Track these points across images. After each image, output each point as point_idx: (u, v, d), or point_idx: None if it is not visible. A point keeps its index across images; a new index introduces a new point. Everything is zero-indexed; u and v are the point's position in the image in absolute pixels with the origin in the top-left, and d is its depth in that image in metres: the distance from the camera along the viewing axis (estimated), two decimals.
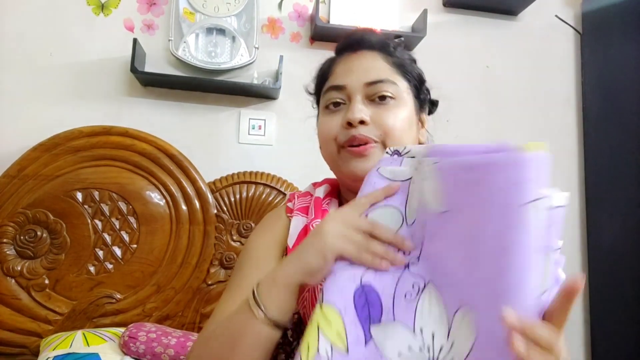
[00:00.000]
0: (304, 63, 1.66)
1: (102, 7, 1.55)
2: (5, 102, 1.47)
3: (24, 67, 1.49)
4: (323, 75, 0.73)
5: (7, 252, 1.30)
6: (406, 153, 0.53)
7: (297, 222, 0.69)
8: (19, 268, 1.30)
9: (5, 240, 1.30)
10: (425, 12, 1.62)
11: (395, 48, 0.71)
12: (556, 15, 1.84)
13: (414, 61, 0.74)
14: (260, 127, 1.61)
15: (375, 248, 0.49)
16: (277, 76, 1.54)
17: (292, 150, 1.62)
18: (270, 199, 1.47)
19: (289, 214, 0.72)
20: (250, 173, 1.50)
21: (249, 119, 1.60)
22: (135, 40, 1.45)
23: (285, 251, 0.68)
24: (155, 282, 1.36)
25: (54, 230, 1.32)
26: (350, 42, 0.71)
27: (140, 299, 1.34)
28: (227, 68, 1.53)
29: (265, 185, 1.48)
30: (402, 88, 0.67)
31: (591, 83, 1.78)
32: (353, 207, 0.53)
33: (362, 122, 0.63)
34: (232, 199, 1.45)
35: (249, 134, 1.60)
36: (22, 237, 1.31)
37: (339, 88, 0.67)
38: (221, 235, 1.43)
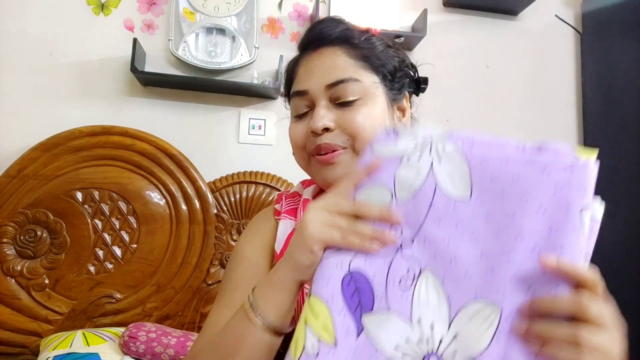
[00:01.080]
0: None
1: (102, 7, 1.55)
2: (5, 102, 1.47)
3: (24, 67, 1.49)
4: (289, 78, 0.69)
5: (7, 252, 1.30)
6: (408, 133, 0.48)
7: (285, 226, 0.66)
8: (19, 268, 1.30)
9: (5, 240, 1.30)
10: (425, 12, 1.62)
11: (361, 38, 0.65)
12: (556, 15, 1.84)
13: (389, 46, 0.68)
14: (260, 127, 1.61)
15: (362, 229, 0.45)
16: (277, 76, 1.54)
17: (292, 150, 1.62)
18: (270, 198, 1.47)
19: (276, 217, 0.69)
20: (250, 173, 1.50)
21: (249, 118, 1.60)
22: (135, 40, 1.45)
23: (274, 256, 0.66)
24: (155, 282, 1.36)
25: (54, 230, 1.32)
26: (309, 39, 0.65)
27: (140, 299, 1.34)
28: (227, 68, 1.53)
29: (265, 185, 1.48)
30: (367, 84, 0.62)
31: (591, 83, 1.78)
32: (335, 192, 0.50)
33: (326, 129, 0.60)
34: (232, 199, 1.45)
35: (249, 133, 1.60)
36: (22, 237, 1.31)
37: (301, 94, 0.63)
38: (221, 235, 1.43)
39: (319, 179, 0.64)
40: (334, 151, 0.60)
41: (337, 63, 0.62)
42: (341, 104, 0.61)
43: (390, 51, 0.67)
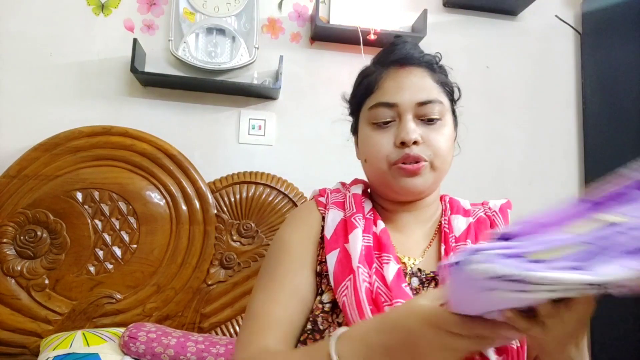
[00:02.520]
0: (304, 63, 1.66)
1: (102, 7, 1.55)
2: (5, 102, 1.47)
3: (24, 67, 1.49)
4: (368, 87, 0.71)
5: (7, 252, 1.30)
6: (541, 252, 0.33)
7: (334, 215, 0.70)
8: (19, 268, 1.30)
9: (5, 240, 1.30)
10: (425, 12, 1.62)
11: (438, 64, 0.72)
12: (556, 16, 1.84)
13: (448, 73, 0.75)
14: (260, 127, 1.61)
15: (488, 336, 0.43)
16: (277, 76, 1.54)
17: (292, 150, 1.62)
18: (270, 199, 1.47)
19: (321, 208, 0.73)
20: (250, 173, 1.50)
21: (249, 119, 1.60)
22: (135, 40, 1.45)
23: (321, 243, 0.69)
24: (155, 282, 1.36)
25: (54, 230, 1.32)
26: (398, 57, 0.70)
27: (140, 299, 1.34)
28: (227, 68, 1.53)
29: (265, 185, 1.48)
30: (446, 107, 0.69)
31: (591, 83, 1.78)
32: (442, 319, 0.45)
33: (415, 142, 0.65)
34: (232, 199, 1.45)
35: (249, 134, 1.60)
36: (22, 237, 1.31)
37: (389, 105, 0.67)
38: (221, 236, 1.43)
39: (397, 186, 0.68)
40: (418, 162, 0.66)
41: (426, 84, 0.68)
42: (426, 121, 0.67)
43: (449, 79, 0.74)
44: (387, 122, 0.68)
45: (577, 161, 1.81)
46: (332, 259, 0.65)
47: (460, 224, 0.71)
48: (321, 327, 0.62)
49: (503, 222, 0.72)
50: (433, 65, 0.71)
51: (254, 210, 1.46)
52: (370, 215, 0.70)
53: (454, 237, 0.69)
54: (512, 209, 0.76)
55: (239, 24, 1.56)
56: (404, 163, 0.66)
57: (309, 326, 0.63)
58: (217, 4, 1.54)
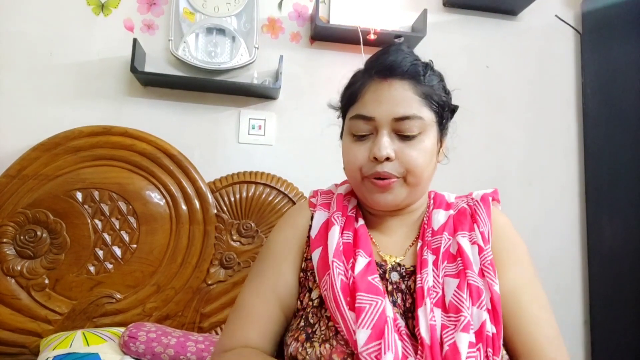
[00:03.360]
0: (304, 63, 1.66)
1: (102, 7, 1.56)
2: (5, 102, 1.47)
3: (24, 67, 1.49)
4: (351, 96, 0.72)
5: (7, 252, 1.30)
6: None
7: (320, 216, 0.74)
8: (18, 268, 1.30)
9: (5, 240, 1.30)
10: (425, 12, 1.62)
11: (425, 74, 0.69)
12: (556, 15, 1.84)
13: (442, 80, 0.73)
14: (260, 127, 1.61)
15: None
16: (277, 76, 1.54)
17: (292, 150, 1.62)
18: (270, 198, 1.47)
19: (311, 208, 0.77)
20: (250, 173, 1.50)
21: (249, 118, 1.60)
22: (135, 40, 1.45)
23: (308, 242, 0.73)
24: (155, 282, 1.36)
25: (54, 230, 1.33)
26: (381, 67, 0.69)
27: (140, 299, 1.34)
28: (227, 68, 1.53)
29: (265, 185, 1.48)
30: (427, 121, 0.67)
31: (591, 83, 1.78)
32: None
33: (387, 158, 0.66)
34: (232, 199, 1.45)
35: (248, 133, 1.60)
36: (22, 237, 1.31)
37: (366, 119, 0.67)
38: (221, 235, 1.43)
39: (369, 199, 0.70)
40: (389, 178, 0.67)
41: (406, 97, 0.67)
42: (403, 136, 0.66)
43: (441, 85, 0.72)
44: (364, 135, 0.68)
45: (577, 161, 1.81)
46: (315, 256, 0.68)
47: (440, 217, 0.72)
48: (311, 321, 0.65)
49: (484, 210, 0.72)
50: (418, 77, 0.68)
51: (253, 210, 1.46)
52: (352, 213, 0.74)
53: (431, 231, 0.71)
54: (497, 198, 0.77)
55: (239, 24, 1.56)
56: (376, 178, 0.67)
57: (301, 323, 0.66)
58: (217, 4, 1.54)
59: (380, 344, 0.56)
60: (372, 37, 1.56)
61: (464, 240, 0.67)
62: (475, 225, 0.70)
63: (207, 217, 1.41)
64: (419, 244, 0.70)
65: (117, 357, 1.11)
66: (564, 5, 1.85)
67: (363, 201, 0.74)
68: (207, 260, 1.40)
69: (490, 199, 0.75)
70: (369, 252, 0.67)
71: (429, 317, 0.60)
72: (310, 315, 0.66)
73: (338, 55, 1.67)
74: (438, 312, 0.61)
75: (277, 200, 1.47)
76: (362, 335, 0.57)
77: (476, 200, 0.74)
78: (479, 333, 0.58)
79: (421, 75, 0.69)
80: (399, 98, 0.66)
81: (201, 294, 1.39)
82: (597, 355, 1.68)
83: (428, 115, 0.68)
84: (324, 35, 1.63)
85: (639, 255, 1.52)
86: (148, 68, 1.52)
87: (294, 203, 1.48)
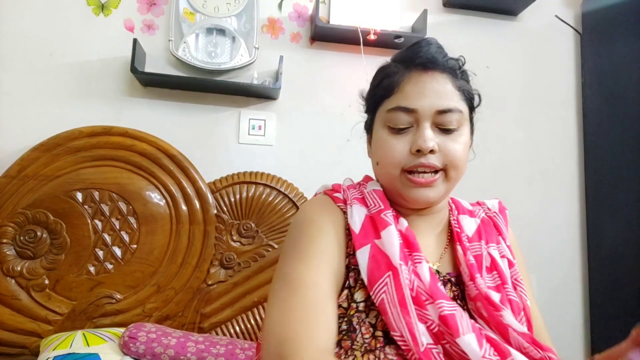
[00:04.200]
0: (304, 63, 1.66)
1: (102, 8, 1.56)
2: (5, 102, 1.47)
3: (24, 67, 1.49)
4: (388, 88, 0.69)
5: (7, 253, 1.30)
6: None
7: (359, 211, 0.67)
8: (18, 268, 1.30)
9: (5, 240, 1.30)
10: (425, 12, 1.62)
11: (460, 69, 0.70)
12: (556, 16, 1.84)
13: (469, 77, 0.73)
14: (260, 128, 1.61)
15: None
16: (277, 76, 1.54)
17: (292, 150, 1.62)
18: (270, 199, 1.47)
19: (340, 204, 0.69)
20: (250, 173, 1.50)
21: (249, 119, 1.60)
22: (135, 41, 1.45)
23: (349, 236, 0.66)
24: (155, 282, 1.36)
25: (54, 230, 1.32)
26: (422, 60, 0.67)
27: (140, 299, 1.34)
28: (227, 68, 1.53)
29: (265, 185, 1.48)
30: (465, 115, 0.68)
31: (591, 83, 1.78)
32: None
33: (431, 151, 0.64)
34: (232, 199, 1.45)
35: (249, 134, 1.60)
36: (22, 238, 1.31)
37: (409, 111, 0.65)
38: (221, 236, 1.43)
39: (406, 195, 0.67)
40: (432, 172, 0.65)
41: (447, 90, 0.66)
42: (444, 130, 0.65)
43: (470, 85, 0.72)
44: (404, 128, 0.66)
45: (577, 161, 1.81)
46: (363, 255, 0.62)
47: (469, 224, 0.72)
48: (356, 327, 0.60)
49: (504, 222, 0.73)
50: (456, 71, 0.69)
51: (254, 210, 1.46)
52: (393, 213, 0.69)
53: (466, 237, 0.70)
54: (507, 209, 0.78)
55: (239, 24, 1.56)
56: (416, 172, 0.65)
57: (344, 326, 0.60)
58: (217, 4, 1.54)
59: (486, 347, 0.55)
60: (372, 37, 1.56)
61: (495, 253, 0.68)
62: (500, 238, 0.71)
63: (207, 218, 1.41)
64: (459, 250, 0.68)
65: (117, 357, 1.11)
66: (563, 6, 1.86)
67: (397, 199, 0.70)
68: (207, 261, 1.40)
69: (507, 211, 0.76)
70: (423, 257, 0.63)
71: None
72: (355, 319, 0.60)
73: (338, 55, 1.67)
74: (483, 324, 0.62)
75: (277, 200, 1.47)
76: (469, 341, 0.54)
77: (495, 212, 0.75)
78: (488, 338, 0.59)
79: (457, 69, 0.69)
80: (442, 91, 0.66)
81: (201, 294, 1.39)
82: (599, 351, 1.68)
83: (465, 109, 0.68)
84: (324, 36, 1.63)
85: (639, 255, 1.52)
86: (148, 68, 1.52)
87: (294, 203, 1.48)
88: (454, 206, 0.76)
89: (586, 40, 1.81)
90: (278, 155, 1.61)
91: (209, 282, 1.40)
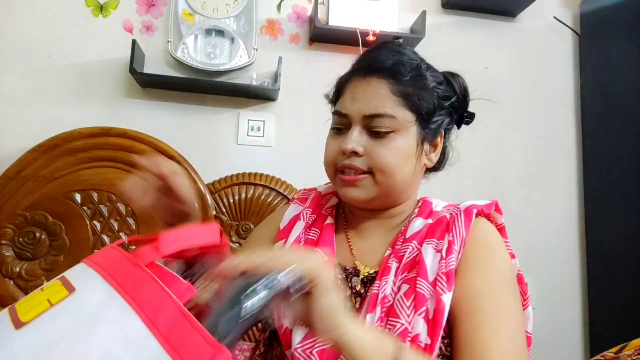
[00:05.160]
0: (303, 64, 1.66)
1: (101, 9, 1.55)
2: (4, 103, 1.47)
3: (23, 68, 1.49)
4: (336, 93, 0.76)
5: (6, 254, 1.30)
6: None
7: (292, 210, 0.77)
8: (17, 270, 1.30)
9: (3, 241, 1.30)
10: (424, 13, 1.62)
11: (411, 74, 0.67)
12: (555, 17, 1.84)
13: (439, 83, 0.71)
14: (259, 129, 1.61)
15: None
16: (276, 77, 1.54)
17: (291, 151, 1.62)
18: (269, 200, 1.47)
19: (291, 202, 0.80)
20: (249, 174, 1.50)
21: (248, 120, 1.60)
22: (134, 42, 1.45)
23: (276, 234, 0.76)
24: None
25: (52, 231, 1.32)
26: (362, 65, 0.71)
27: None
28: (226, 69, 1.53)
29: (264, 186, 1.48)
30: (402, 121, 0.66)
31: (590, 84, 1.78)
32: None
33: (354, 153, 0.66)
34: (231, 200, 1.45)
35: (247, 135, 1.60)
36: (20, 239, 1.31)
37: (341, 114, 0.70)
38: None
39: (340, 193, 0.72)
40: (356, 173, 0.67)
41: (379, 95, 0.67)
42: (374, 133, 0.67)
43: (439, 89, 0.71)
44: (341, 130, 0.71)
45: (576, 162, 1.81)
46: (277, 248, 0.72)
47: (416, 225, 0.69)
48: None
49: (463, 220, 0.66)
50: (398, 76, 0.67)
51: (253, 211, 1.45)
52: (326, 212, 0.76)
53: (402, 239, 0.68)
54: (489, 211, 0.70)
55: (238, 25, 1.56)
56: (342, 172, 0.68)
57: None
58: (216, 5, 1.54)
59: (314, 340, 0.58)
60: (371, 38, 1.56)
61: (427, 248, 0.64)
62: (446, 234, 0.65)
63: (206, 219, 1.41)
64: (388, 252, 0.68)
65: None
66: (562, 7, 1.86)
67: (341, 197, 0.75)
68: None
69: (475, 211, 0.68)
70: (328, 252, 0.68)
71: (376, 324, 0.59)
72: None
73: (337, 56, 1.67)
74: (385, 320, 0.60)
75: (276, 201, 1.47)
76: (298, 333, 0.59)
77: (459, 209, 0.69)
78: (413, 342, 0.57)
79: (402, 74, 0.67)
80: (373, 95, 0.67)
81: None
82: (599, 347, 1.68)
83: (404, 115, 0.66)
84: (323, 37, 1.63)
85: (638, 256, 1.52)
86: (147, 69, 1.52)
87: None
88: (416, 210, 0.73)
89: (585, 42, 1.81)
90: (277, 156, 1.60)
91: None
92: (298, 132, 1.63)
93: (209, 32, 1.54)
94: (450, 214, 0.69)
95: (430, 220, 0.70)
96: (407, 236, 0.68)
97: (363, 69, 0.69)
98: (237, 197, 1.46)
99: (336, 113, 0.71)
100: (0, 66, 1.48)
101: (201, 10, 1.53)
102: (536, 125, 1.79)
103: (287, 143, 1.62)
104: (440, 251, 0.64)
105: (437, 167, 0.77)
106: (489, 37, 1.79)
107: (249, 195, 1.46)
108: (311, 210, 0.74)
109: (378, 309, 0.60)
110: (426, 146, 0.71)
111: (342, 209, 0.79)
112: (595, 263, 1.71)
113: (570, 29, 1.85)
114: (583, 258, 1.76)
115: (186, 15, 1.53)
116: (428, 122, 0.69)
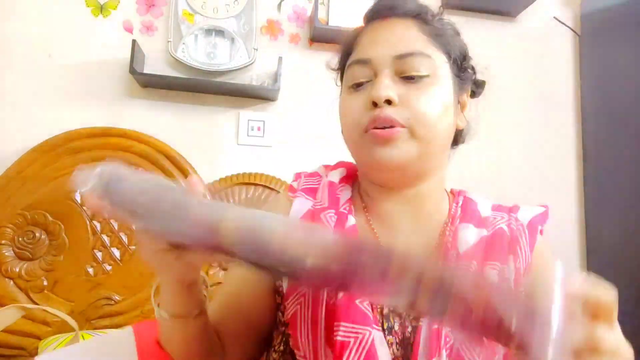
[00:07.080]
0: (303, 64, 1.66)
1: (101, 9, 1.55)
2: (4, 104, 1.47)
3: (23, 68, 1.49)
4: (347, 48, 0.61)
5: (6, 254, 1.30)
6: None
7: (300, 205, 0.59)
8: (17, 269, 1.30)
9: (3, 241, 1.30)
10: None
11: (435, 16, 0.59)
12: (555, 17, 1.85)
13: (458, 34, 0.63)
14: (259, 129, 1.61)
15: None
16: (276, 77, 1.54)
17: (291, 151, 1.62)
18: (269, 200, 1.47)
19: (290, 193, 0.63)
20: (249, 174, 1.50)
21: (248, 120, 1.60)
22: (134, 42, 1.45)
23: None
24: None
25: (52, 231, 1.32)
26: (379, 8, 0.59)
27: (139, 301, 1.34)
28: (226, 69, 1.53)
29: (264, 186, 1.48)
30: (438, 63, 0.55)
31: (590, 84, 1.78)
32: None
33: (388, 102, 0.53)
34: (231, 201, 1.45)
35: (248, 135, 1.60)
36: (20, 239, 1.31)
37: (363, 62, 0.56)
38: None
39: (369, 158, 0.55)
40: (392, 127, 0.52)
41: (409, 35, 0.56)
42: (408, 78, 0.54)
43: (458, 38, 0.62)
44: (362, 83, 0.56)
45: (576, 162, 1.81)
46: None
47: (468, 236, 0.55)
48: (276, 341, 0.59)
49: (528, 241, 0.56)
50: (424, 16, 0.58)
51: None
52: (344, 209, 0.58)
53: (455, 254, 0.54)
54: (546, 222, 0.60)
55: (238, 26, 1.56)
56: (375, 128, 0.53)
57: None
58: (216, 5, 1.54)
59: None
60: None
61: (491, 274, 0.53)
62: (510, 257, 0.54)
63: None
64: None
65: None
66: (562, 7, 1.86)
67: (365, 170, 0.60)
68: (206, 262, 1.40)
69: (540, 228, 0.59)
70: None
71: None
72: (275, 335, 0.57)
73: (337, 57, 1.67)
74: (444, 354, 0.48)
75: None
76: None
77: (521, 225, 0.58)
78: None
79: (429, 14, 0.58)
80: (401, 35, 0.56)
81: None
82: None
83: (439, 57, 0.56)
84: (323, 37, 1.63)
85: (638, 256, 1.52)
86: (147, 69, 1.52)
87: None
88: (459, 211, 0.60)
89: (585, 42, 1.81)
90: (277, 157, 1.60)
91: (208, 284, 1.40)
92: (298, 132, 1.63)
93: (209, 32, 1.54)
94: (509, 226, 0.57)
95: (485, 232, 0.56)
96: (461, 251, 0.54)
97: (379, 13, 0.59)
98: (237, 197, 1.46)
99: (355, 63, 0.57)
100: (1, 66, 1.48)
101: (201, 10, 1.53)
102: (536, 125, 1.79)
103: (287, 143, 1.62)
104: (506, 280, 0.53)
105: (461, 136, 0.66)
106: (489, 37, 1.79)
107: (249, 196, 1.46)
108: (334, 210, 0.58)
109: (444, 353, 0.48)
110: (459, 100, 0.62)
111: (361, 198, 0.62)
112: (594, 263, 1.71)
113: (570, 29, 1.85)
114: (583, 257, 1.76)
115: (186, 15, 1.53)
116: (460, 68, 0.60)
